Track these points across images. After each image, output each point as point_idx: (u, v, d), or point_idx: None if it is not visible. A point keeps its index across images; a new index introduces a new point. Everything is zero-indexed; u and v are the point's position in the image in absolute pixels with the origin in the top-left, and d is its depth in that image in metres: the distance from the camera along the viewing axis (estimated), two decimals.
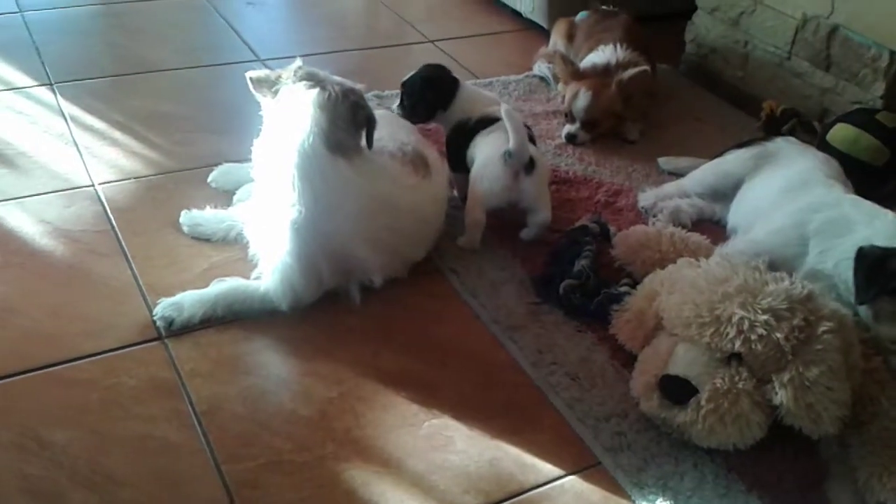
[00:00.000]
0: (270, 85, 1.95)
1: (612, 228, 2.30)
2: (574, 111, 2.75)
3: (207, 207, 2.19)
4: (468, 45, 3.43)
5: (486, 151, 2.22)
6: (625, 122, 2.81)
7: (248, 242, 2.07)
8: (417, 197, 2.05)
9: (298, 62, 1.97)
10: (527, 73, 3.20)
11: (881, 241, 1.82)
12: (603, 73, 2.81)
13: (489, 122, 2.29)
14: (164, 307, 1.89)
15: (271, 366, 1.86)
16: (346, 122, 1.91)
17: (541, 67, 3.17)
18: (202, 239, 2.15)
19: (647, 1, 3.52)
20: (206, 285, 1.94)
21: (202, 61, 3.05)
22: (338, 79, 1.97)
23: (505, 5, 3.70)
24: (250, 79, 1.97)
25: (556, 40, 3.23)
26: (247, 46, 3.22)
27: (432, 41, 3.45)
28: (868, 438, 1.70)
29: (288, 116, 1.91)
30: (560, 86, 2.90)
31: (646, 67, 2.79)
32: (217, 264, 2.07)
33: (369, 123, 1.95)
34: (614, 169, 2.67)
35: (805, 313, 1.67)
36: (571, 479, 1.65)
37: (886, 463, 1.64)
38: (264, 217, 1.95)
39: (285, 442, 1.65)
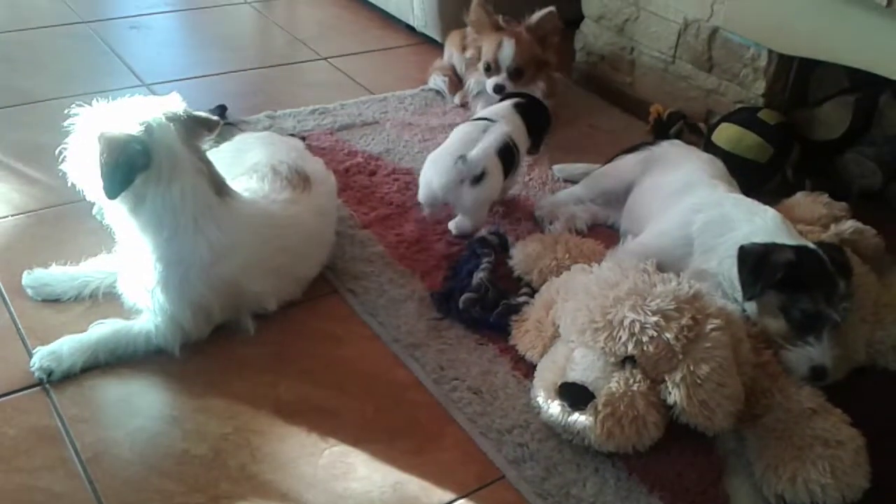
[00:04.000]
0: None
1: (510, 239, 2.31)
2: (500, 60, 2.77)
3: (53, 265, 2.03)
4: (362, 61, 3.41)
5: (452, 138, 2.32)
6: (542, 70, 2.85)
7: (105, 298, 1.98)
8: (297, 210, 2.00)
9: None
10: (422, 87, 3.19)
11: (761, 238, 1.88)
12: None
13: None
14: (41, 357, 1.78)
15: (160, 405, 1.79)
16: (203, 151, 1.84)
17: (436, 80, 3.17)
18: (51, 300, 1.98)
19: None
20: (88, 325, 1.85)
21: (84, 89, 2.91)
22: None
23: (398, 20, 3.69)
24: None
25: (451, 53, 3.23)
26: (131, 72, 3.12)
27: (325, 58, 3.41)
28: (763, 432, 1.73)
29: (166, 164, 1.75)
30: (471, 36, 2.92)
31: (552, 8, 2.85)
32: (100, 302, 1.98)
33: (209, 125, 1.84)
34: None
35: (693, 312, 1.71)
36: (476, 496, 1.64)
37: (781, 454, 1.67)
38: (144, 268, 1.82)
39: (177, 484, 1.59)
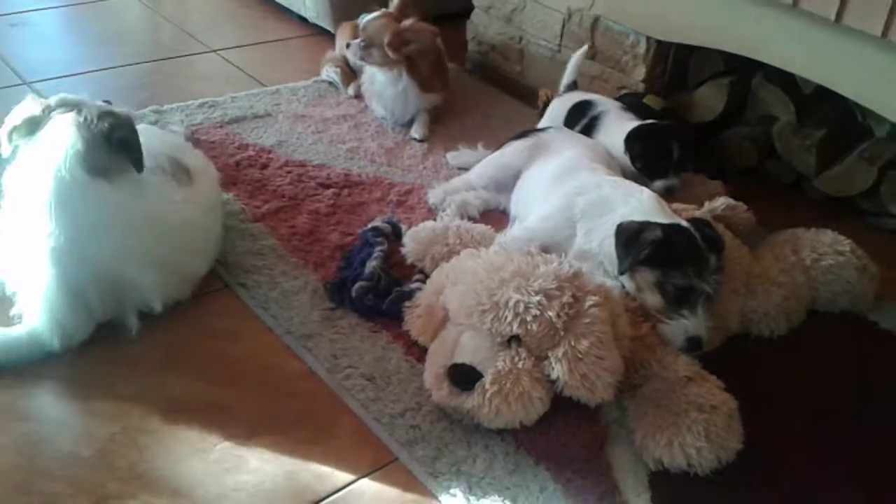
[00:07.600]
0: (34, 124, 1.86)
1: (404, 227, 2.34)
2: None
3: None
4: (254, 53, 3.38)
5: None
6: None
7: None
8: (184, 207, 1.99)
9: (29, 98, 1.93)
10: (315, 79, 3.19)
11: (638, 217, 1.96)
12: None
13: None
14: None
15: (48, 408, 1.75)
16: (104, 143, 1.84)
17: (329, 72, 3.18)
18: None
19: (431, 1, 3.58)
20: None
21: None
22: (98, 103, 1.91)
23: (290, 11, 3.67)
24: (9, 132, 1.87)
25: (342, 44, 3.23)
26: (12, 70, 3.00)
27: (215, 51, 3.36)
28: (641, 400, 1.82)
29: (44, 143, 1.82)
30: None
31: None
32: None
33: (127, 146, 1.88)
34: (405, 168, 2.72)
35: (573, 290, 1.78)
36: (368, 480, 1.67)
37: (658, 421, 1.76)
38: (20, 251, 1.81)
39: (65, 486, 1.57)
